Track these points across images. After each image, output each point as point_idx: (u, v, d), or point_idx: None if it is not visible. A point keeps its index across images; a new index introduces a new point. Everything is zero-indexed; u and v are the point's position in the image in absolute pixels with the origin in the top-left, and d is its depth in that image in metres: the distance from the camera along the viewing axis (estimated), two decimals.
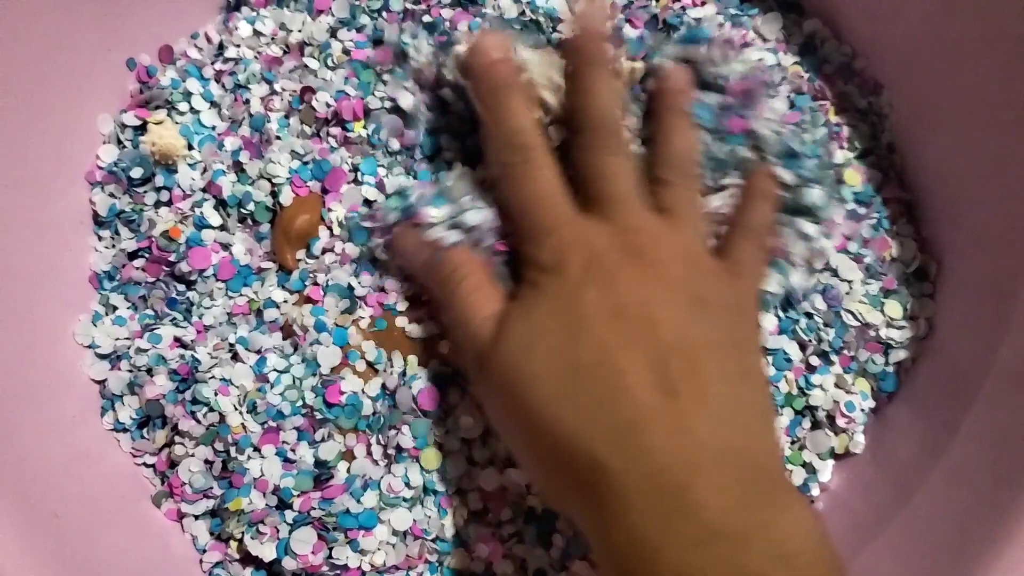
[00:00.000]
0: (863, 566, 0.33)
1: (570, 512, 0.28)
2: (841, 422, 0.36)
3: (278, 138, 0.37)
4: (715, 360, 0.27)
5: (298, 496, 0.33)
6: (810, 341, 0.36)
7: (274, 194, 0.36)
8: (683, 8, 0.38)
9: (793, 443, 0.37)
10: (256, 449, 0.34)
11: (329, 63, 0.38)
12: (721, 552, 0.23)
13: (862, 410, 0.37)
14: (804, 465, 0.37)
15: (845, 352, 0.37)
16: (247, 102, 0.38)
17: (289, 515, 0.33)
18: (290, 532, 0.33)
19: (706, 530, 0.23)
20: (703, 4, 0.39)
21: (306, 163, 0.36)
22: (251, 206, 0.37)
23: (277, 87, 0.38)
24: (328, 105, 0.36)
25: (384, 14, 0.38)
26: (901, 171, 0.39)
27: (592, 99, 0.31)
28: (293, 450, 0.33)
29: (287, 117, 0.37)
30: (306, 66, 0.38)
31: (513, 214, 0.32)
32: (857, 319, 0.36)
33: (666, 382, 0.26)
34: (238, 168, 0.37)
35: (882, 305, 0.37)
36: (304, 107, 0.37)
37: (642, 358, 0.26)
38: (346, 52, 0.38)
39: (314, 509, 0.33)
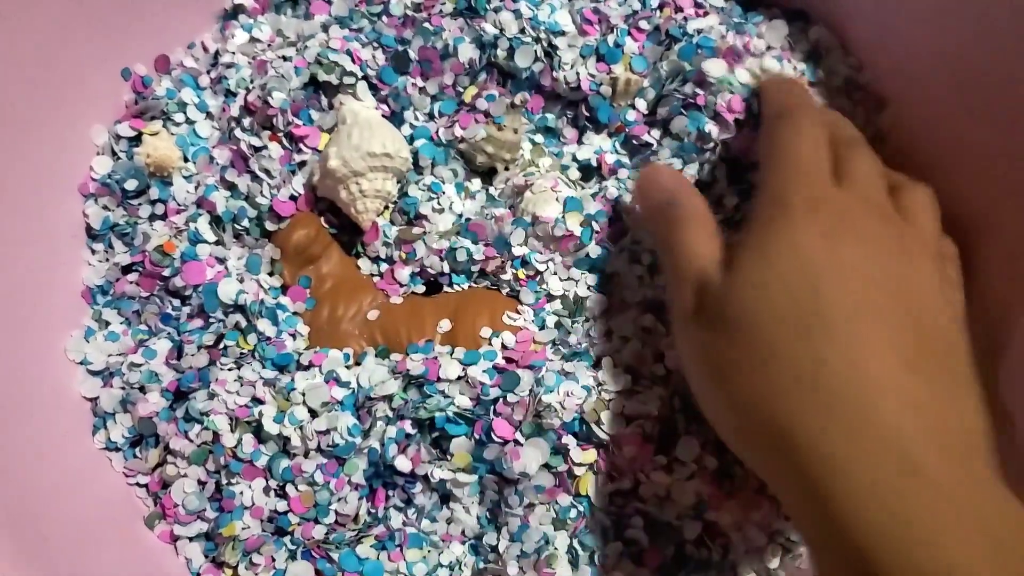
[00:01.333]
0: None
1: (774, 479, 0.27)
2: None
3: (256, 149, 0.36)
4: (952, 338, 0.26)
5: (298, 525, 0.32)
6: None
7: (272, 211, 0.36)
8: (685, 19, 0.37)
9: None
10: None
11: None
12: (990, 551, 0.21)
13: None
14: None
15: None
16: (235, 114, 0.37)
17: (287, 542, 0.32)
18: (287, 563, 0.32)
19: (974, 527, 0.22)
20: (705, 15, 0.38)
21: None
22: (245, 222, 0.36)
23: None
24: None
25: (384, 18, 0.38)
26: None
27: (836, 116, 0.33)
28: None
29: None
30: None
31: (771, 157, 0.30)
32: None
33: (909, 357, 0.24)
34: (229, 184, 0.36)
35: None
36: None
37: (886, 327, 0.25)
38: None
39: (311, 539, 0.32)
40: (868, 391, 0.24)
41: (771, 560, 0.34)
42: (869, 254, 0.26)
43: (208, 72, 0.39)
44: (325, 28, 0.38)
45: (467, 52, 0.36)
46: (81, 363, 0.35)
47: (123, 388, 0.35)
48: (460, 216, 0.36)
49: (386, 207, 0.37)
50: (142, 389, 0.34)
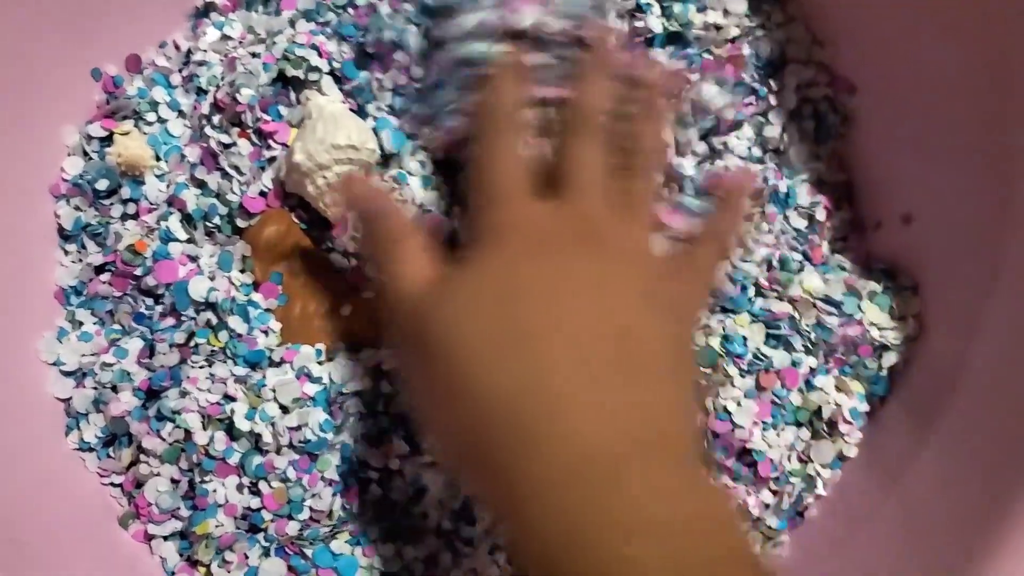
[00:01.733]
0: (856, 560, 0.33)
1: (485, 499, 0.27)
2: (844, 428, 0.35)
3: (226, 146, 0.36)
4: (653, 343, 0.26)
5: (271, 521, 0.32)
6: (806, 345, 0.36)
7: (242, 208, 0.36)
8: None
9: (800, 460, 0.36)
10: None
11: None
12: (655, 543, 0.22)
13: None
14: (806, 478, 0.36)
15: (837, 355, 0.36)
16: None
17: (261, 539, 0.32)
18: (260, 560, 0.32)
19: (640, 519, 0.23)
20: None
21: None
22: (216, 219, 0.36)
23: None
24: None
25: (350, 10, 0.38)
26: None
27: (582, 91, 0.32)
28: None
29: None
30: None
31: (470, 178, 0.31)
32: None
33: (592, 369, 0.25)
34: (199, 182, 0.36)
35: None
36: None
37: (570, 342, 0.25)
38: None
39: (285, 536, 0.32)
40: (544, 400, 0.24)
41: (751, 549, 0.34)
42: (562, 273, 0.27)
43: (180, 70, 0.39)
44: (292, 23, 0.38)
45: (416, 43, 0.35)
46: (54, 364, 0.35)
47: (95, 388, 0.35)
48: (421, 207, 0.36)
49: None
50: (114, 389, 0.34)
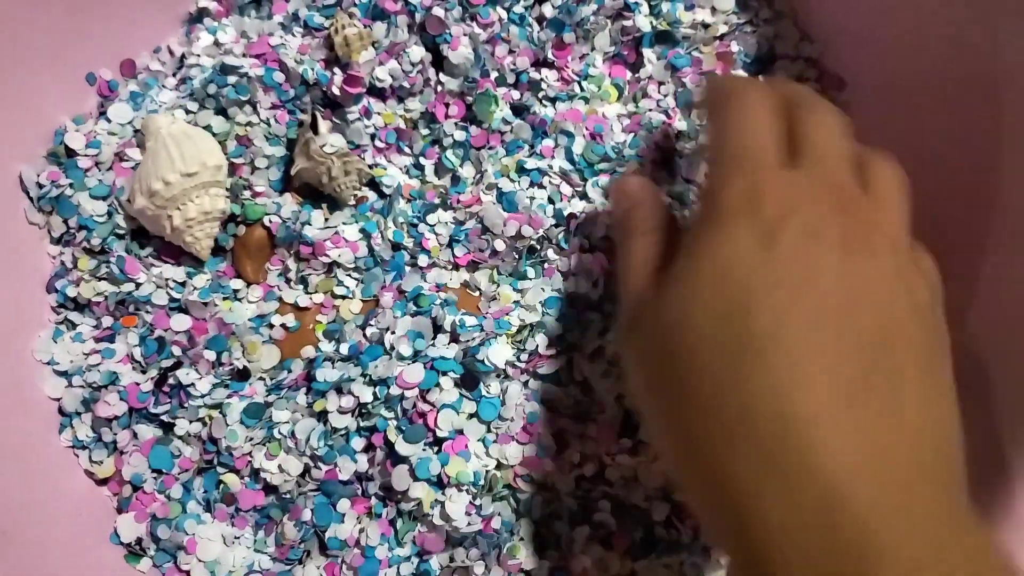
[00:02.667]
0: None
1: (702, 510, 0.24)
2: None
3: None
4: (917, 367, 0.22)
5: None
6: None
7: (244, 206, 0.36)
8: None
9: None
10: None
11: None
12: None
13: None
14: None
15: None
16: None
17: None
18: None
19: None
20: None
21: None
22: None
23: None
24: None
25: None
26: None
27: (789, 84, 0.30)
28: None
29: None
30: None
31: (712, 147, 0.27)
32: None
33: (847, 387, 0.21)
34: None
35: None
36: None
37: (826, 349, 0.21)
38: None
39: None
40: (793, 426, 0.21)
41: None
42: (815, 257, 0.23)
43: (174, 75, 0.40)
44: (284, 27, 0.38)
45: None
46: (48, 363, 0.35)
47: (82, 387, 0.35)
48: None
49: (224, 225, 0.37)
50: (103, 388, 0.34)
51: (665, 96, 0.38)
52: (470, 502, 0.32)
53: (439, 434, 0.32)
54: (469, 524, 0.32)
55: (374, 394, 0.33)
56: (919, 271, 0.25)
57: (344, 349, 0.34)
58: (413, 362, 0.33)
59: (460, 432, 0.33)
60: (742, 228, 0.24)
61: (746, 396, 0.21)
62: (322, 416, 0.33)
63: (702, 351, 0.23)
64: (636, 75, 0.38)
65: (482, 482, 0.32)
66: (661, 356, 0.24)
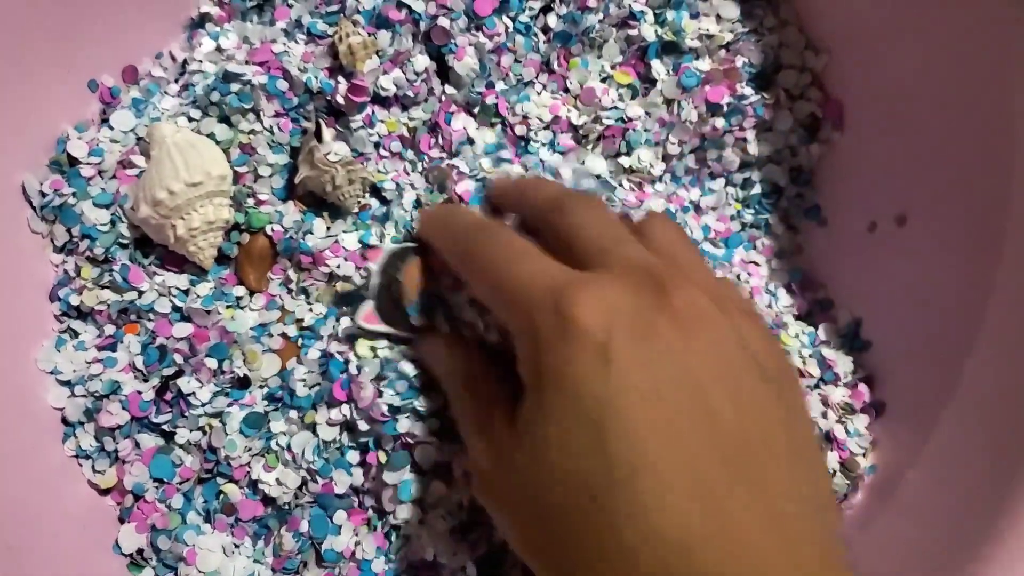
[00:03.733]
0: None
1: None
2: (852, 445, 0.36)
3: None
4: (782, 440, 0.22)
5: None
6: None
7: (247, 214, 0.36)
8: None
9: None
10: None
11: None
12: None
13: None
14: None
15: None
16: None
17: None
18: None
19: None
20: None
21: None
22: None
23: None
24: None
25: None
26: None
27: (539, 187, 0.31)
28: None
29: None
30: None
31: (488, 298, 0.26)
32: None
33: (720, 490, 0.20)
34: None
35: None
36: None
37: (687, 465, 0.21)
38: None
39: None
40: (671, 555, 0.20)
41: None
42: (655, 356, 0.22)
43: (176, 81, 0.40)
44: (287, 33, 0.38)
45: None
46: (51, 373, 0.35)
47: (84, 396, 0.35)
48: None
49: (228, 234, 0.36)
50: (106, 397, 0.34)
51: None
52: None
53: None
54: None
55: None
56: (753, 321, 0.24)
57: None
58: None
59: None
60: (573, 358, 0.22)
61: (619, 534, 0.20)
62: (315, 428, 0.33)
63: (568, 496, 0.21)
64: (645, 87, 0.38)
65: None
66: (527, 508, 0.23)
